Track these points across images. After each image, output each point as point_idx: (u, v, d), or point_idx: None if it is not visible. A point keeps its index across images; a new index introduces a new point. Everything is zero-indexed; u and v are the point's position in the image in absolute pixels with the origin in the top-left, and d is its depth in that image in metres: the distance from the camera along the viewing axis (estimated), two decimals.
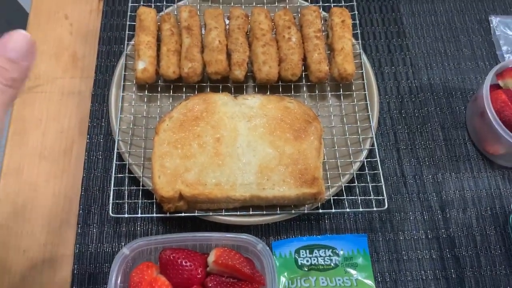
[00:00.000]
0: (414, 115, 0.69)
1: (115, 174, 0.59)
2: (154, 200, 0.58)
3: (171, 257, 0.51)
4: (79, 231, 0.60)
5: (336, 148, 0.63)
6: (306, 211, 0.58)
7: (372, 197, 0.60)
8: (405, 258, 0.60)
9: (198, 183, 0.56)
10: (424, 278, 0.59)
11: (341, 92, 0.67)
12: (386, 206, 0.58)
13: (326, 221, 0.62)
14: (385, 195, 0.59)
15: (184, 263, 0.51)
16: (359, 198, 0.60)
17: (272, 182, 0.56)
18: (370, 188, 0.61)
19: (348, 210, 0.59)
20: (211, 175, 0.56)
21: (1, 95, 0.33)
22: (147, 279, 0.50)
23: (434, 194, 0.64)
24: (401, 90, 0.71)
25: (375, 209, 0.59)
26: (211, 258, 0.51)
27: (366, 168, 0.62)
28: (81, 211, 0.61)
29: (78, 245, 0.60)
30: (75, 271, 0.58)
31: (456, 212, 0.63)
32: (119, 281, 0.50)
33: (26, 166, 0.64)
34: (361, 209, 0.59)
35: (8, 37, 0.34)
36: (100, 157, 0.65)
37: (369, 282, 0.58)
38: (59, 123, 0.67)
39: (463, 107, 0.70)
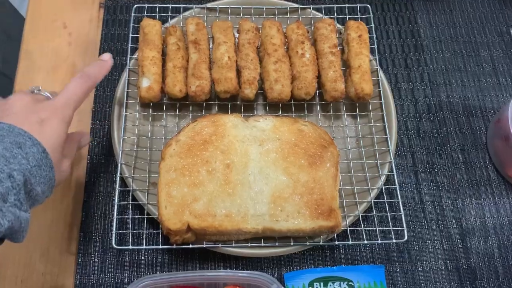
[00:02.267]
0: (432, 136, 0.66)
1: (118, 201, 0.55)
2: (160, 230, 0.55)
3: None
4: (79, 260, 0.57)
5: (352, 173, 0.59)
6: (321, 243, 0.55)
7: (391, 228, 0.57)
8: None
9: (207, 214, 0.52)
10: None
11: (357, 112, 0.63)
12: (406, 238, 0.55)
13: (341, 252, 0.59)
14: (404, 225, 0.56)
15: None
16: (377, 229, 0.57)
17: (286, 213, 0.53)
18: (389, 218, 0.57)
19: (366, 242, 0.56)
20: (221, 205, 0.53)
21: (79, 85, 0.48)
22: None
23: (454, 221, 0.61)
24: (419, 108, 0.67)
25: (394, 240, 0.56)
26: None
27: (384, 195, 0.58)
28: (81, 238, 0.58)
29: (79, 276, 0.56)
30: None
31: (477, 241, 0.60)
32: None
33: None
34: (379, 241, 0.56)
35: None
36: (102, 179, 0.61)
37: None
38: None
39: (483, 127, 0.67)
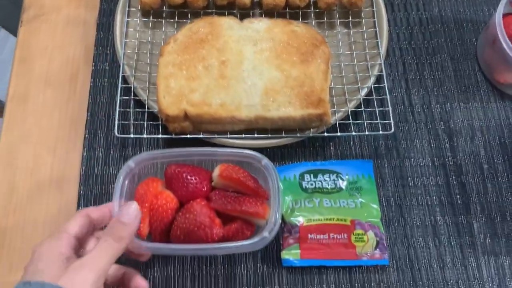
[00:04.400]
0: (423, 46, 0.68)
1: (120, 96, 0.59)
2: (160, 122, 0.58)
3: (176, 171, 0.51)
4: (85, 154, 0.61)
5: (343, 74, 0.62)
6: (311, 135, 0.58)
7: (378, 121, 0.59)
8: (410, 184, 0.60)
9: (203, 104, 0.56)
10: (430, 203, 0.59)
11: (350, 19, 0.65)
12: (393, 130, 0.57)
13: (331, 148, 0.62)
14: (391, 119, 0.58)
15: (189, 177, 0.51)
16: (365, 122, 0.59)
17: (278, 103, 0.56)
18: (377, 113, 0.60)
19: (354, 133, 0.59)
20: (216, 97, 0.56)
21: (109, 247, 0.42)
22: (152, 191, 0.51)
23: (442, 123, 0.63)
24: (411, 21, 0.69)
25: (381, 132, 0.58)
26: (216, 172, 0.51)
27: (374, 94, 0.61)
28: (87, 135, 0.62)
29: (84, 167, 0.60)
30: (81, 192, 0.59)
31: (464, 141, 0.62)
32: (125, 190, 0.50)
33: (32, 93, 0.64)
34: (367, 132, 0.59)
35: (124, 206, 0.45)
36: (106, 84, 0.64)
37: (374, 205, 0.58)
38: (64, 52, 0.67)
39: (474, 39, 0.68)
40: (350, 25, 0.65)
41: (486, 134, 0.63)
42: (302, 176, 0.59)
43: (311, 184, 0.59)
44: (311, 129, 0.58)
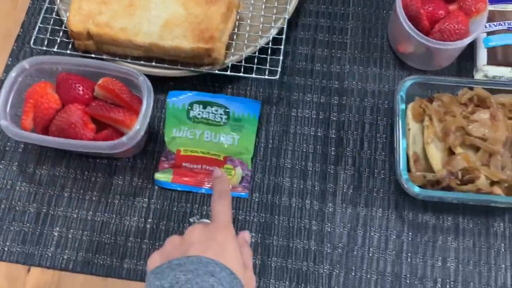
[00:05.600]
0: (339, 12, 0.71)
1: (44, 14, 0.66)
2: (71, 41, 0.64)
3: (65, 78, 0.58)
4: (9, 63, 0.68)
5: (249, 23, 0.67)
6: (205, 71, 0.63)
7: (267, 67, 0.64)
8: (291, 131, 0.64)
9: (106, 25, 0.62)
10: (305, 150, 0.63)
11: None
12: (277, 77, 0.62)
13: (228, 89, 0.66)
14: (279, 67, 0.62)
15: (74, 84, 0.57)
16: (254, 66, 0.64)
17: (173, 35, 0.61)
18: (269, 60, 0.64)
19: (242, 74, 0.63)
20: (120, 21, 0.62)
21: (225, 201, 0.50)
22: (39, 90, 0.57)
23: (337, 82, 0.67)
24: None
25: (266, 76, 0.63)
26: (97, 83, 0.57)
27: (270, 43, 0.65)
28: (14, 47, 0.69)
29: (5, 74, 0.67)
30: None
31: (353, 101, 0.66)
32: (16, 86, 0.57)
33: None
34: (253, 75, 0.63)
35: (243, 233, 0.51)
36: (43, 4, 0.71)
37: (250, 144, 0.62)
38: None
39: (391, 11, 0.71)
40: None
41: (376, 97, 0.66)
42: (191, 106, 0.64)
43: (198, 114, 0.64)
44: (206, 66, 0.63)
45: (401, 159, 0.56)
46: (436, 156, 0.56)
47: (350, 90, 0.67)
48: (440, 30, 0.61)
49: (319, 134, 0.64)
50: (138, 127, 0.54)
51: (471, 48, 0.66)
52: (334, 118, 0.65)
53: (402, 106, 0.59)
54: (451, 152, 0.56)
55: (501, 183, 0.55)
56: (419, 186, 0.56)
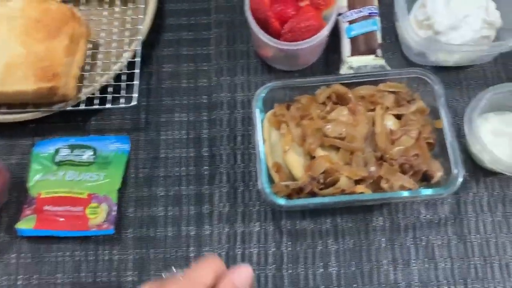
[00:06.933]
0: (202, 22, 0.68)
1: None
2: None
3: None
4: None
5: (103, 50, 0.64)
6: (55, 110, 0.60)
7: (123, 94, 0.61)
8: (162, 156, 0.62)
9: None
10: (177, 174, 0.61)
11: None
12: (135, 103, 0.59)
13: (92, 122, 0.63)
14: (136, 93, 0.59)
15: None
16: (111, 96, 0.61)
17: (14, 78, 0.58)
18: (125, 87, 0.61)
19: (96, 107, 0.60)
20: None
21: None
22: None
23: (205, 96, 0.64)
24: None
25: (123, 105, 0.60)
26: None
27: (126, 68, 0.62)
28: None
29: None
30: None
31: (223, 114, 0.64)
32: None
33: None
34: (110, 106, 0.60)
35: (238, 268, 0.37)
36: None
37: (117, 178, 0.59)
38: None
39: None
40: (119, 2, 0.67)
41: (246, 107, 0.64)
42: (57, 151, 0.61)
43: (64, 157, 0.61)
44: (59, 104, 0.60)
45: (263, 171, 0.54)
46: (296, 163, 0.54)
47: (220, 103, 0.64)
48: (290, 30, 0.59)
49: (191, 155, 0.62)
50: None
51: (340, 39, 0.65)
52: (205, 135, 0.63)
53: (262, 115, 0.57)
54: (312, 157, 0.54)
55: (366, 180, 0.53)
56: (287, 196, 0.54)
